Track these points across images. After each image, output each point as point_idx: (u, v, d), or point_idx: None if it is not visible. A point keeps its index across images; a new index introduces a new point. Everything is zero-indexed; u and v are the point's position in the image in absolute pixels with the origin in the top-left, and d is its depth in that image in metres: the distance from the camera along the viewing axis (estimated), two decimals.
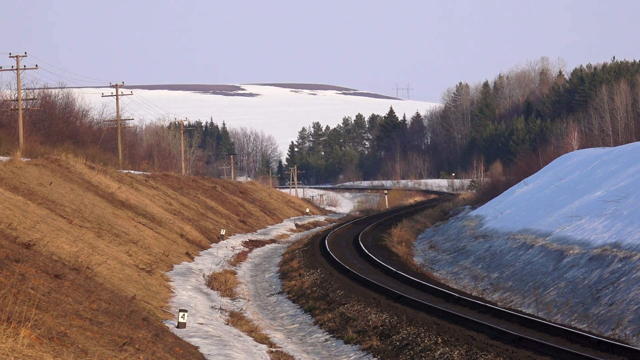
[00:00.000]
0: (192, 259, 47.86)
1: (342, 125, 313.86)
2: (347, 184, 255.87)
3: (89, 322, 19.68)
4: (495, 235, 58.52)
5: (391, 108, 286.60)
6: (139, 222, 50.47)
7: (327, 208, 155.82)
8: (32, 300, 18.66)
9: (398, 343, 26.98)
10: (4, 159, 48.51)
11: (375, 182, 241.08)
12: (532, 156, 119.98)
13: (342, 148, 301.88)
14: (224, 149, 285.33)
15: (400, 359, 25.61)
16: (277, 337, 29.63)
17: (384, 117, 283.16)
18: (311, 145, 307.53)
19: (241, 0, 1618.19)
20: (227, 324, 29.92)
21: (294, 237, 77.45)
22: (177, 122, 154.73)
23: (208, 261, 48.43)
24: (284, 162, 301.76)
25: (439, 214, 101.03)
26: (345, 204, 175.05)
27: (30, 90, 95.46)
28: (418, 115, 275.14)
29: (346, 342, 28.72)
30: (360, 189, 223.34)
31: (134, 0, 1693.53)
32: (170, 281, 37.02)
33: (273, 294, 40.74)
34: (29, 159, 53.34)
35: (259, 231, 78.32)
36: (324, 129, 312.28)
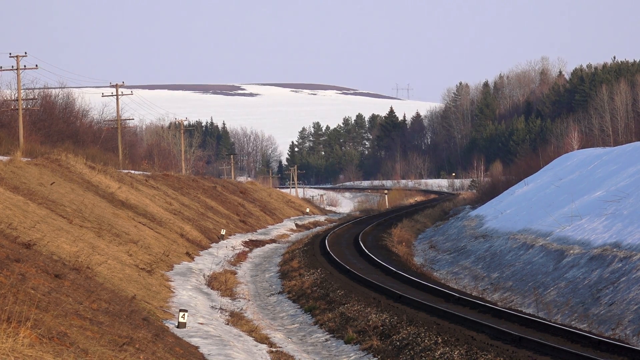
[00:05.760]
0: (192, 258, 47.86)
1: (342, 125, 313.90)
2: (347, 184, 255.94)
3: (89, 322, 19.67)
4: (496, 235, 58.51)
5: (391, 108, 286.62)
6: (139, 222, 50.48)
7: (327, 208, 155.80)
8: (32, 300, 18.66)
9: (398, 343, 26.97)
10: (4, 159, 48.51)
11: (376, 182, 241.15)
12: (532, 156, 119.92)
13: (342, 148, 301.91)
14: (224, 149, 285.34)
15: (401, 359, 25.61)
16: (277, 337, 29.63)
17: (384, 117, 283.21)
18: (311, 145, 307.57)
19: (241, 0, 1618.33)
20: (227, 324, 29.92)
21: (294, 237, 77.44)
22: (177, 122, 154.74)
23: (208, 261, 48.43)
24: (284, 162, 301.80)
25: (439, 213, 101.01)
26: (346, 204, 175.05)
27: (30, 90, 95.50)
28: (418, 115, 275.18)
29: (346, 342, 28.72)
30: (361, 189, 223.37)
31: (134, 0, 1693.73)
32: (171, 281, 37.03)
33: (273, 294, 40.74)
34: (29, 159, 53.34)
35: (259, 231, 78.32)
36: (324, 129, 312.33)
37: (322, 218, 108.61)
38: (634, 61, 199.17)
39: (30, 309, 17.57)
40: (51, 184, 46.72)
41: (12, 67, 79.09)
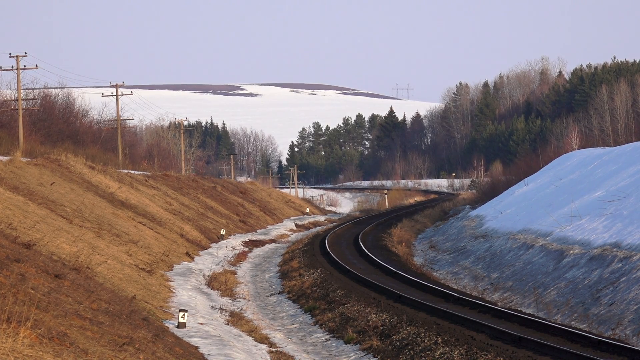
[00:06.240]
0: (192, 258, 47.86)
1: (342, 125, 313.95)
2: (347, 184, 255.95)
3: (89, 322, 19.67)
4: (495, 235, 58.51)
5: (391, 108, 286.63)
6: (139, 222, 50.48)
7: (327, 208, 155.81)
8: (32, 300, 18.66)
9: (398, 343, 26.97)
10: (4, 159, 48.50)
11: (375, 182, 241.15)
12: (532, 156, 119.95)
13: (342, 148, 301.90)
14: (224, 149, 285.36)
15: (400, 359, 25.61)
16: (277, 337, 29.63)
17: (384, 117, 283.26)
18: (311, 145, 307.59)
19: (241, 0, 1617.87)
20: (227, 324, 29.92)
21: (294, 237, 77.44)
22: (177, 122, 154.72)
23: (208, 261, 48.43)
24: (284, 162, 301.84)
25: (439, 213, 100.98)
26: (345, 204, 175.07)
27: (30, 90, 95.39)
28: (418, 115, 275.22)
29: (346, 342, 28.72)
30: (360, 189, 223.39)
31: (134, 0, 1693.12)
32: (170, 281, 37.03)
33: (273, 294, 40.74)
34: (29, 159, 53.34)
35: (259, 231, 78.32)
36: (324, 129, 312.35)
37: (322, 218, 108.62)
38: (634, 61, 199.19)
39: (30, 309, 17.57)
40: (51, 184, 46.72)
41: (12, 67, 79.08)
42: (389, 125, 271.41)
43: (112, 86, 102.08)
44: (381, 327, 29.07)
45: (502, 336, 26.13)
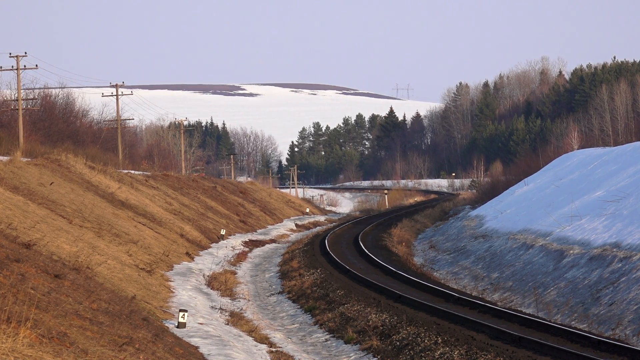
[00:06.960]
0: (192, 258, 47.86)
1: (342, 125, 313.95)
2: (347, 184, 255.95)
3: (89, 322, 19.67)
4: (496, 235, 58.51)
5: (391, 108, 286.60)
6: (139, 222, 50.48)
7: (327, 208, 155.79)
8: (32, 300, 18.66)
9: (398, 343, 26.97)
10: (4, 159, 48.50)
11: (375, 182, 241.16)
12: (532, 156, 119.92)
13: (342, 148, 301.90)
14: (224, 149, 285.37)
15: (400, 359, 25.61)
16: (277, 337, 29.63)
17: (384, 117, 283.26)
18: (311, 145, 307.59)
19: (241, 0, 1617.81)
20: (227, 324, 29.92)
21: (294, 237, 77.45)
22: (177, 122, 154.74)
23: (208, 261, 48.43)
24: (284, 162, 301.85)
25: (439, 213, 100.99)
26: (345, 204, 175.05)
27: (30, 90, 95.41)
28: (418, 115, 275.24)
29: (346, 342, 28.72)
30: (360, 189, 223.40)
31: (134, 0, 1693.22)
32: (170, 281, 37.03)
33: (273, 294, 40.75)
34: (29, 159, 53.33)
35: (259, 231, 78.32)
36: (324, 129, 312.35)
37: (322, 218, 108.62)
38: (634, 61, 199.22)
39: (30, 309, 17.57)
40: (51, 184, 46.72)
41: (12, 67, 79.09)
42: (389, 125, 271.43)
43: (112, 86, 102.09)
44: (381, 327, 29.07)
45: (502, 336, 26.14)
